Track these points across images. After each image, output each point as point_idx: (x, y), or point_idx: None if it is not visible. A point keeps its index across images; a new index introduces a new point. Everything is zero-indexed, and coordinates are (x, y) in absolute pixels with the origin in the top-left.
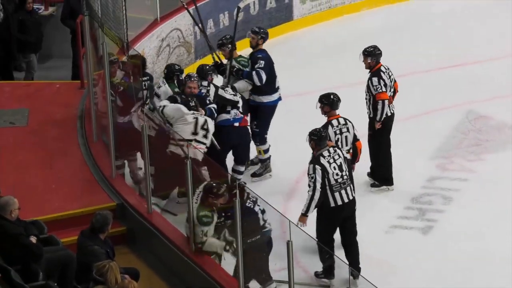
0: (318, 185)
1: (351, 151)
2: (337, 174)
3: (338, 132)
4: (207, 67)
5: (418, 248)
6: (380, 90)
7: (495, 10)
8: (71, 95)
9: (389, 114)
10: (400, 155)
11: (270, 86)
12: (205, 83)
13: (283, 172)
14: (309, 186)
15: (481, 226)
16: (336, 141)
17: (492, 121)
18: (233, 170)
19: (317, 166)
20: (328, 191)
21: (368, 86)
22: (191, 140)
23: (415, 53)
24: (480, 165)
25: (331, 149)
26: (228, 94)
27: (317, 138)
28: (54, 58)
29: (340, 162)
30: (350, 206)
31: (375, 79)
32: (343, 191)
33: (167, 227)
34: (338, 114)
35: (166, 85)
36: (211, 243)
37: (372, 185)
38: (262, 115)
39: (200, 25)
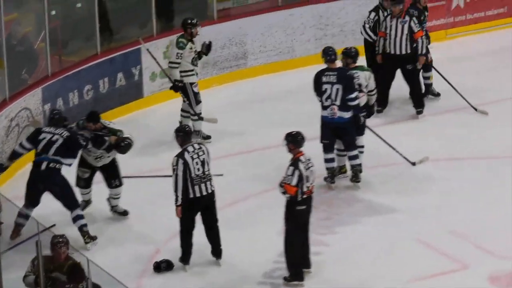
0: (180, 177)
1: None
2: (198, 170)
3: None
4: None
5: None
6: None
7: None
8: None
9: None
10: (253, 232)
11: None
12: None
13: None
14: (173, 176)
15: None
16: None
17: (342, 194)
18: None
19: (180, 160)
20: (189, 184)
21: None
22: None
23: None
24: (332, 239)
25: (196, 145)
26: None
27: (183, 134)
28: None
29: (203, 158)
30: (209, 198)
31: None
32: (202, 185)
33: None
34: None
35: None
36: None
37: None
38: None
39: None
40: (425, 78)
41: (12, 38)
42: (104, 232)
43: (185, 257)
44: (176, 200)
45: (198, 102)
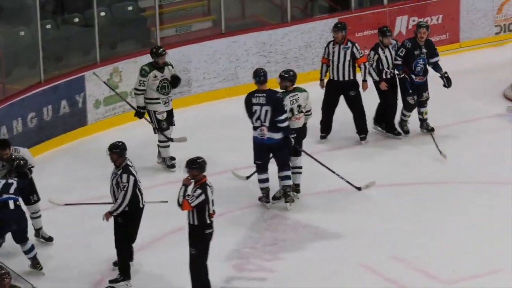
0: (130, 192)
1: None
2: (140, 182)
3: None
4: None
5: None
6: None
7: None
8: None
9: None
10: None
11: None
12: None
13: None
14: (122, 191)
15: None
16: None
17: (287, 220)
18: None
19: (131, 176)
20: (138, 194)
21: None
22: None
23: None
24: (277, 264)
25: (129, 160)
26: None
27: (120, 151)
28: None
29: (136, 171)
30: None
31: None
32: (143, 195)
33: None
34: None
35: None
36: None
37: None
38: None
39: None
40: (419, 113)
41: None
42: (49, 259)
43: (128, 274)
44: (116, 210)
45: (162, 130)
